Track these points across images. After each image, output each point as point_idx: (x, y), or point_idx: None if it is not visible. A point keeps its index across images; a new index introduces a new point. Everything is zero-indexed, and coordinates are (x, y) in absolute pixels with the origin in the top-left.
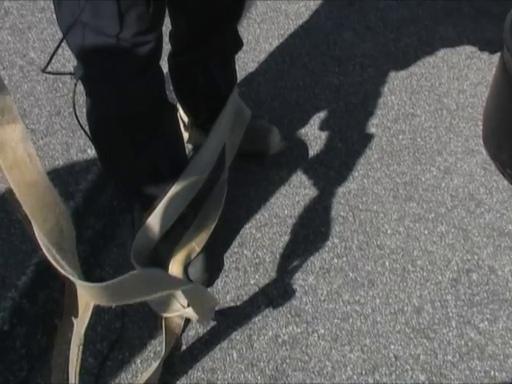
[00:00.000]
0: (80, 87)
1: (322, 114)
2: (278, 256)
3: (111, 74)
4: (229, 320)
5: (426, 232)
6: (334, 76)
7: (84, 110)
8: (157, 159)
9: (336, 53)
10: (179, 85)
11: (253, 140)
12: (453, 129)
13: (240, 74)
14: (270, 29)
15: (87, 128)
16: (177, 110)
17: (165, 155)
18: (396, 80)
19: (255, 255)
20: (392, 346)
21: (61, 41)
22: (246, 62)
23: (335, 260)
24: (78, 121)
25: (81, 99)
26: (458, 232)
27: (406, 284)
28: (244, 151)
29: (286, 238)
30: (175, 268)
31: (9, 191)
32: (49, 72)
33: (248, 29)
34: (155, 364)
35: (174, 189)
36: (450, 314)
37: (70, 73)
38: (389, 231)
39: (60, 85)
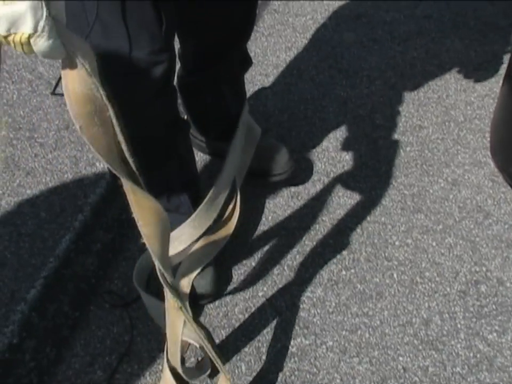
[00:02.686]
0: None
1: (330, 127)
2: (286, 268)
3: (125, 97)
4: (237, 333)
5: (434, 244)
6: (342, 88)
7: None
8: (169, 177)
9: (344, 65)
10: (188, 103)
11: (261, 158)
12: (461, 141)
13: (248, 88)
14: (277, 42)
15: None
16: (190, 125)
17: (178, 172)
18: (403, 92)
19: (263, 267)
20: (400, 358)
21: None
22: (254, 75)
23: (343, 272)
24: None
25: None
26: (466, 243)
27: (414, 295)
28: (250, 169)
29: (294, 250)
30: (182, 281)
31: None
32: (58, 94)
33: (255, 42)
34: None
35: (191, 219)
36: (459, 326)
37: None
38: (397, 243)
39: None
